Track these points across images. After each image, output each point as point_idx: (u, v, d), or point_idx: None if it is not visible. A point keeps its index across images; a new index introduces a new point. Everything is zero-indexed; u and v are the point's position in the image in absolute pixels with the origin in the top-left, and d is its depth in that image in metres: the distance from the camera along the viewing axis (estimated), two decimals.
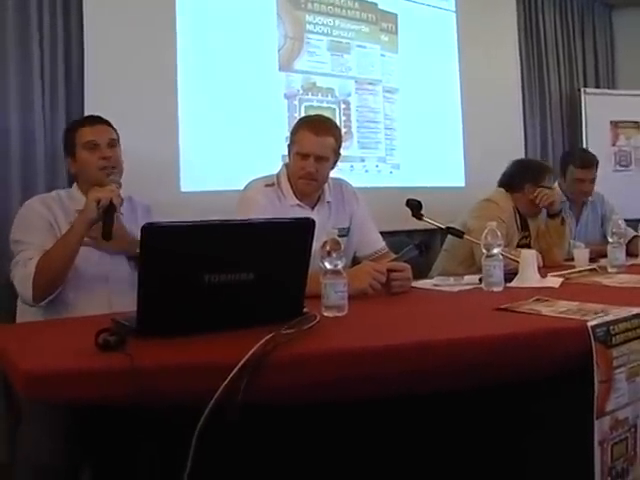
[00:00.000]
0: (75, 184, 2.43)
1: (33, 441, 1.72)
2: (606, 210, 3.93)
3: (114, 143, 2.39)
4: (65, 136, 2.45)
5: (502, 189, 3.43)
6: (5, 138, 3.16)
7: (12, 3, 3.18)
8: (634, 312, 1.74)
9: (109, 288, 2.29)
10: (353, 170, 4.27)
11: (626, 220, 3.14)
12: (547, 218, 3.34)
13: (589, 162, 3.79)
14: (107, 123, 2.44)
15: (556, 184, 3.93)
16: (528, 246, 3.23)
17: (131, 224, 2.38)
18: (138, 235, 2.27)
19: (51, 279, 2.13)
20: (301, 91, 4.16)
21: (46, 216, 2.28)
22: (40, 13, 3.27)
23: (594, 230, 3.85)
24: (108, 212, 2.09)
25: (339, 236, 1.92)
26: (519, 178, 3.37)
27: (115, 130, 2.44)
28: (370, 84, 4.50)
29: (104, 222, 2.08)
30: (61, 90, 3.34)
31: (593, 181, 3.77)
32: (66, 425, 1.70)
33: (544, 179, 3.33)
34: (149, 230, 1.46)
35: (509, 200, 3.38)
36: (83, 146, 2.34)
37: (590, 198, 3.90)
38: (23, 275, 2.13)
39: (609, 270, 2.77)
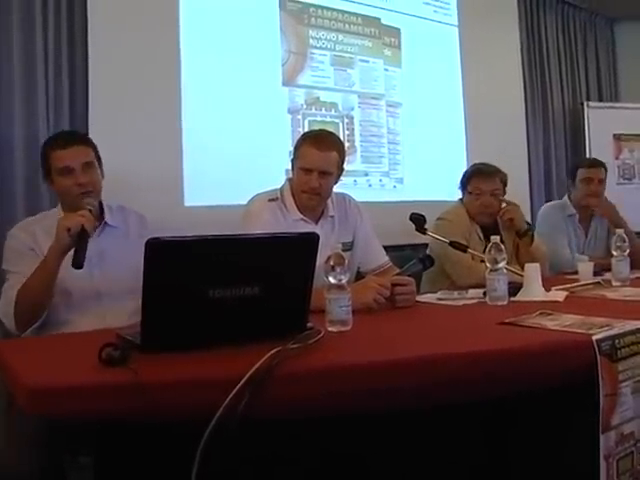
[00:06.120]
0: (60, 204, 2.39)
1: (11, 447, 1.70)
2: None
3: (90, 165, 2.31)
4: (41, 155, 2.36)
5: (459, 201, 3.38)
6: (9, 150, 3.18)
7: (16, 7, 3.22)
8: (639, 326, 1.73)
9: (102, 305, 2.27)
10: (357, 184, 4.28)
11: None
12: (516, 237, 3.27)
13: (597, 162, 3.82)
14: (83, 141, 2.37)
15: (565, 198, 3.91)
16: None
17: (123, 236, 2.38)
18: (130, 246, 2.30)
19: (31, 309, 2.12)
20: (304, 106, 4.18)
21: (28, 243, 2.26)
22: (45, 28, 3.30)
23: (602, 243, 3.82)
24: (81, 238, 2.05)
25: (343, 250, 1.91)
26: (460, 188, 3.35)
27: (92, 146, 2.37)
28: (373, 98, 4.52)
29: (75, 249, 2.04)
30: (65, 105, 3.36)
31: (600, 182, 3.74)
32: (32, 431, 1.68)
33: (468, 185, 3.27)
34: (153, 245, 1.46)
35: (463, 210, 3.30)
36: (58, 172, 2.28)
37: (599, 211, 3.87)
38: (4, 305, 2.14)
39: (613, 283, 2.76)
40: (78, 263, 2.02)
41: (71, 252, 2.05)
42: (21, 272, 2.16)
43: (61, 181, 2.28)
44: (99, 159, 2.39)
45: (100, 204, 2.36)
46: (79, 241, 2.04)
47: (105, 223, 2.37)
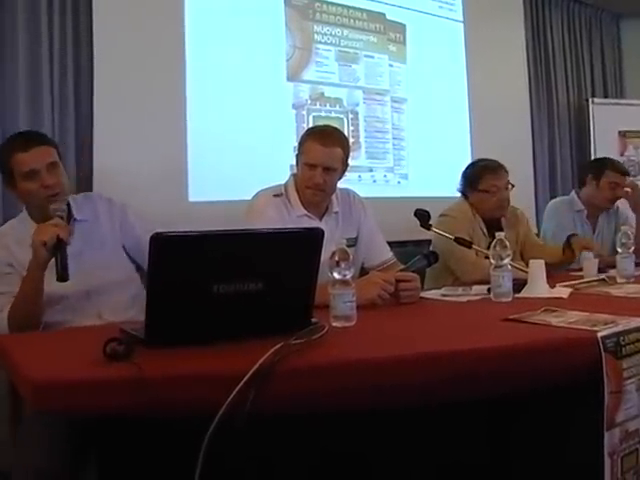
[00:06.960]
0: (25, 209, 2.29)
1: (31, 444, 1.69)
2: (619, 220, 3.90)
3: (55, 165, 2.19)
4: (0, 159, 2.21)
5: (461, 197, 3.33)
6: None
7: (22, 7, 3.24)
8: None
9: (94, 302, 2.22)
10: (361, 180, 4.28)
11: None
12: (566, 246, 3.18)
13: (626, 169, 3.86)
14: (44, 141, 2.23)
15: (572, 194, 3.89)
16: None
17: (95, 229, 2.30)
18: (103, 237, 2.28)
19: (26, 325, 2.06)
20: (309, 101, 4.18)
21: (4, 259, 2.19)
22: (50, 28, 3.31)
23: (609, 240, 3.81)
24: (59, 249, 1.97)
25: (347, 246, 1.91)
26: (463, 187, 3.30)
27: (54, 146, 2.26)
28: (378, 94, 4.51)
29: (56, 260, 1.96)
30: (70, 105, 3.38)
31: (622, 189, 3.75)
32: (65, 428, 1.67)
33: (479, 183, 3.21)
34: (157, 240, 1.46)
35: (467, 207, 3.26)
36: (23, 177, 2.14)
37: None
38: None
39: (618, 280, 2.75)
40: (63, 277, 1.95)
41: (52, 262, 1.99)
42: (5, 292, 2.12)
43: (26, 185, 2.16)
44: (61, 159, 2.28)
45: (67, 204, 2.24)
46: (57, 252, 1.97)
47: (74, 220, 2.27)
